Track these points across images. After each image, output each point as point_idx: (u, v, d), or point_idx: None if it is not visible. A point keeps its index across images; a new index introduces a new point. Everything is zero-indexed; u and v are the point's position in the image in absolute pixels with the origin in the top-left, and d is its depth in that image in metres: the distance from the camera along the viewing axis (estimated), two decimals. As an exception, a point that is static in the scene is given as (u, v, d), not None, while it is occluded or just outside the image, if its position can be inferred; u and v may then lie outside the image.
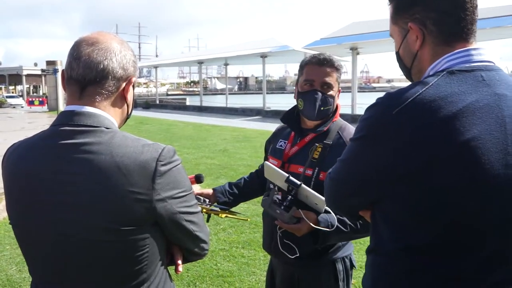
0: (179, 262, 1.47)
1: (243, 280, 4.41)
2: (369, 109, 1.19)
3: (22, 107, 46.89)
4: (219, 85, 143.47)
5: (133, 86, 1.41)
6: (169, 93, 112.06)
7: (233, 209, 2.32)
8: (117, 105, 1.37)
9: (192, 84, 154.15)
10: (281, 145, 2.28)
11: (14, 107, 46.36)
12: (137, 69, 1.43)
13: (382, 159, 1.15)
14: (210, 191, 2.36)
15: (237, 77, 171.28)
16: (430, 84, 1.12)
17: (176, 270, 1.47)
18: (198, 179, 2.17)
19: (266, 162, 1.97)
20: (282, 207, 1.88)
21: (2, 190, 1.37)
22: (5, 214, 6.71)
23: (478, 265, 1.16)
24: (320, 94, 2.10)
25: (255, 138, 15.50)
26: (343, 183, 1.29)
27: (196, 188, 2.19)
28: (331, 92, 2.11)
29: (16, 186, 1.32)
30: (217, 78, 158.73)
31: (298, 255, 2.08)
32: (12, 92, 67.42)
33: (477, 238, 1.15)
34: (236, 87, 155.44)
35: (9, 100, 49.49)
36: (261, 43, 35.52)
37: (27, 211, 1.30)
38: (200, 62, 44.99)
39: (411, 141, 1.09)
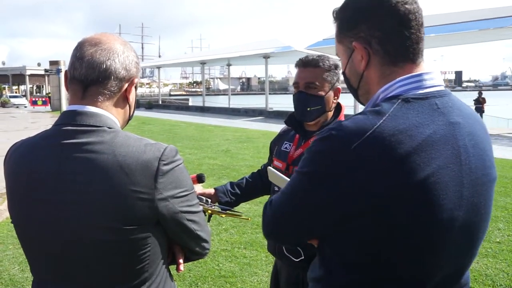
0: (181, 261, 1.47)
1: (245, 281, 4.41)
2: (323, 141, 1.11)
3: (25, 107, 47.09)
4: (222, 86, 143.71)
5: (135, 87, 1.41)
6: (171, 93, 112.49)
7: (234, 209, 2.30)
8: (119, 106, 1.37)
9: (194, 84, 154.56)
10: (286, 147, 2.28)
11: (17, 107, 46.52)
12: (140, 70, 1.44)
13: (334, 197, 1.08)
14: (212, 191, 2.35)
15: (240, 78, 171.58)
16: (387, 115, 1.08)
17: (178, 269, 1.47)
18: (199, 179, 2.16)
19: (269, 167, 1.95)
20: None
21: (5, 190, 1.37)
22: (8, 214, 6.72)
23: None
24: (303, 94, 2.10)
25: (258, 138, 15.50)
26: (288, 219, 1.21)
27: (198, 188, 2.18)
28: (319, 92, 2.09)
29: (18, 186, 1.32)
30: (220, 78, 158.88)
31: (303, 257, 2.07)
32: (16, 92, 67.68)
33: (428, 271, 1.13)
34: (238, 88, 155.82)
35: (13, 100, 49.70)
36: (263, 43, 35.52)
37: (29, 210, 1.30)
38: (203, 63, 45.04)
39: (370, 178, 1.04)
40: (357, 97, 1.31)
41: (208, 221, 2.06)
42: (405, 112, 1.09)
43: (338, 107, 2.23)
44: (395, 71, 1.18)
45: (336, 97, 2.15)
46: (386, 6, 1.16)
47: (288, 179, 1.79)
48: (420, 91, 1.15)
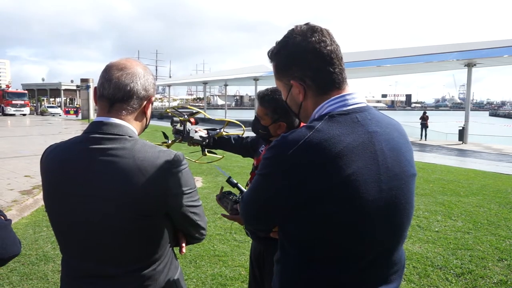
0: (183, 245, 1.46)
1: (235, 259, 4.39)
2: (270, 149, 1.14)
3: (60, 115, 46.62)
4: (220, 101, 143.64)
5: (152, 104, 1.41)
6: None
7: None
8: (138, 119, 1.37)
9: (198, 100, 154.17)
10: (261, 150, 2.31)
11: (53, 115, 46.07)
12: (156, 90, 1.43)
13: (281, 192, 1.11)
14: (205, 131, 2.47)
15: (235, 95, 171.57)
16: (316, 128, 1.10)
17: (180, 251, 1.46)
18: (196, 121, 2.36)
19: (215, 165, 2.02)
20: (231, 201, 1.89)
21: (41, 183, 1.35)
22: (43, 203, 6.64)
23: (358, 272, 1.15)
24: (256, 120, 2.16)
25: (248, 144, 15.44)
26: (251, 209, 1.23)
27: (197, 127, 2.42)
28: (264, 122, 2.13)
29: (52, 181, 1.30)
30: (218, 95, 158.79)
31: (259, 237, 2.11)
32: (52, 103, 66.97)
33: (359, 251, 1.14)
34: (233, 103, 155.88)
35: (50, 110, 49.32)
36: (254, 68, 35.56)
37: (61, 201, 1.28)
38: (205, 83, 44.99)
39: (304, 177, 1.07)
40: (299, 119, 1.32)
41: (202, 154, 2.41)
42: (330, 125, 1.11)
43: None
44: (325, 98, 1.20)
45: (280, 130, 2.12)
46: (312, 50, 1.18)
47: (228, 175, 1.92)
48: (344, 108, 1.17)
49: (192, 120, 2.38)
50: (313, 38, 1.18)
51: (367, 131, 1.13)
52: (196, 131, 2.40)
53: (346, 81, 1.23)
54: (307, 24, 1.24)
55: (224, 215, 1.95)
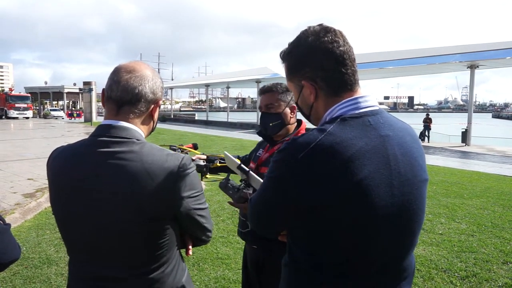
0: (190, 247, 1.46)
1: (238, 262, 4.37)
2: (280, 152, 1.11)
3: (62, 118, 46.85)
4: (222, 104, 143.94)
5: (159, 107, 1.41)
6: (181, 109, 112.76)
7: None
8: (145, 122, 1.36)
9: (200, 102, 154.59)
10: (259, 153, 2.30)
11: (56, 118, 46.22)
12: (163, 93, 1.42)
13: (290, 195, 1.08)
14: (204, 156, 2.46)
15: (237, 98, 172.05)
16: (327, 131, 1.08)
17: (187, 253, 1.46)
18: (195, 147, 2.42)
19: (225, 151, 1.97)
20: (236, 189, 1.80)
21: (44, 186, 1.34)
22: (46, 205, 6.65)
23: (367, 278, 1.14)
24: (264, 114, 2.14)
25: (250, 146, 15.45)
26: (259, 212, 1.21)
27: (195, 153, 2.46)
28: (276, 110, 2.11)
29: (61, 185, 1.30)
30: (221, 98, 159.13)
31: (257, 245, 2.07)
32: (55, 106, 67.20)
33: (370, 257, 1.12)
34: (235, 106, 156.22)
35: (52, 113, 49.58)
36: (256, 71, 35.62)
37: (70, 205, 1.28)
38: (207, 85, 45.10)
39: (314, 180, 1.04)
40: (309, 121, 1.30)
41: (201, 179, 2.30)
42: (342, 128, 1.09)
43: (300, 123, 2.23)
44: (337, 99, 1.18)
45: (292, 113, 2.14)
46: (324, 51, 1.16)
47: (238, 162, 1.79)
48: (356, 111, 1.15)
49: (189, 146, 2.40)
50: (326, 38, 1.17)
51: (379, 135, 1.11)
52: (193, 160, 2.38)
53: (359, 83, 1.21)
54: (320, 25, 1.22)
55: (230, 203, 1.89)
